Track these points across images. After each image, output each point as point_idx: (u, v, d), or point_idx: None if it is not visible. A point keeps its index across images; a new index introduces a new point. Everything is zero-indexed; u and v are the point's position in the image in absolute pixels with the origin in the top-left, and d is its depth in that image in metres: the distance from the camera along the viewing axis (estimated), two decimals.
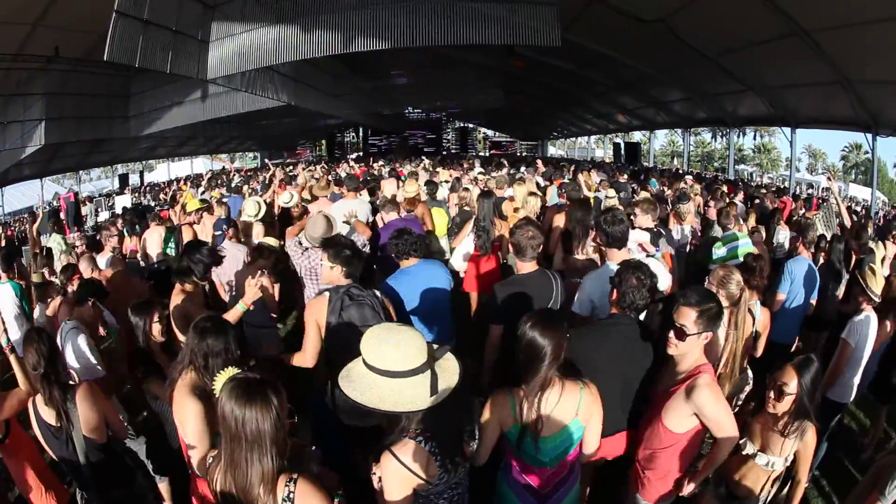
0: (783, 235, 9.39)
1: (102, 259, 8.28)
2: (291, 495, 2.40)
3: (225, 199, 12.11)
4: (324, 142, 45.91)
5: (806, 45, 14.46)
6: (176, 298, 5.41)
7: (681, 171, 25.60)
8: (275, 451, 2.42)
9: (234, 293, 6.65)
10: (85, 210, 23.75)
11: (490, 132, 50.26)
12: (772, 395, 3.53)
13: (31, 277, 7.10)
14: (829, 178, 13.62)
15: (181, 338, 5.53)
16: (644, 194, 10.31)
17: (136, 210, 15.60)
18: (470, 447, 2.93)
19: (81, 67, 17.14)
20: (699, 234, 9.11)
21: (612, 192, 9.26)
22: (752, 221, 10.18)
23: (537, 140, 48.45)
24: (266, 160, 33.30)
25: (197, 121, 19.20)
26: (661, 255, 5.98)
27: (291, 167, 27.35)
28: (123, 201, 22.79)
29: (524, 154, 44.80)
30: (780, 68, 17.15)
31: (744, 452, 3.65)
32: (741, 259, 6.61)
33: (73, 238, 11.97)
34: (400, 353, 2.61)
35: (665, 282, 4.91)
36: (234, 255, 6.91)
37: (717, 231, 8.15)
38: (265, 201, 9.30)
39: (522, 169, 18.67)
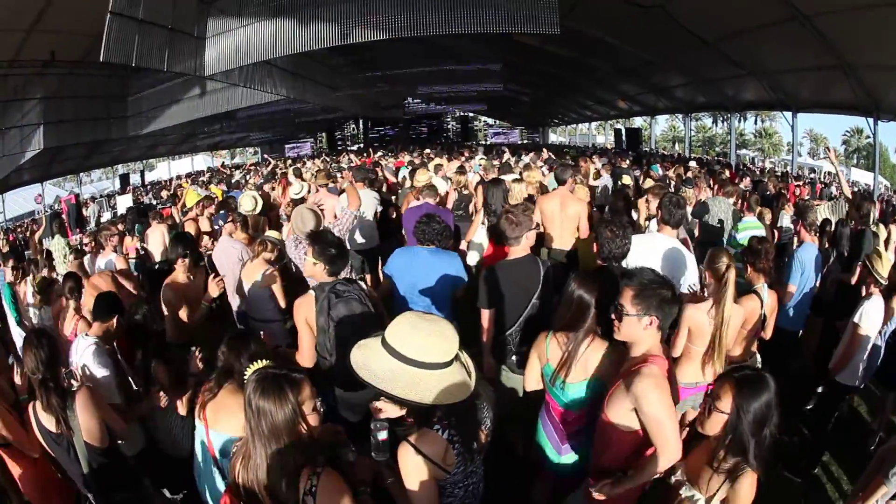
0: (788, 219, 9.35)
1: (103, 260, 8.29)
2: (314, 489, 2.35)
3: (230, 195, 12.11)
4: (324, 134, 45.85)
5: (806, 30, 14.39)
6: (168, 285, 5.60)
7: (682, 156, 25.52)
8: (294, 445, 2.41)
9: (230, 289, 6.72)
10: (88, 211, 23.81)
11: (491, 121, 50.07)
12: (705, 407, 2.91)
13: (34, 283, 7.07)
14: (827, 152, 13.56)
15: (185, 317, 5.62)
16: (648, 180, 10.27)
17: (136, 209, 15.57)
18: (487, 436, 2.91)
19: (78, 70, 17.12)
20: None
21: (627, 179, 9.24)
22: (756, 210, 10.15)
23: (538, 128, 48.44)
24: (265, 155, 33.26)
25: (196, 117, 19.29)
26: None
27: (293, 161, 27.39)
28: (125, 201, 22.76)
29: (525, 142, 44.79)
30: (780, 53, 17.08)
31: (671, 478, 3.11)
32: None
33: (77, 239, 11.93)
34: (437, 341, 2.57)
35: (693, 276, 5.08)
36: (228, 251, 6.96)
37: (721, 210, 8.11)
38: (261, 196, 9.30)
39: (524, 157, 18.63)
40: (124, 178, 33.82)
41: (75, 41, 15.22)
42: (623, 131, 36.45)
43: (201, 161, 42.22)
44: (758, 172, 20.81)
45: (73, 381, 3.96)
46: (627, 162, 17.19)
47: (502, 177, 9.16)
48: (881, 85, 16.24)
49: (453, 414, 2.60)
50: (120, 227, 11.28)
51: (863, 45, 14.34)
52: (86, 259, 8.46)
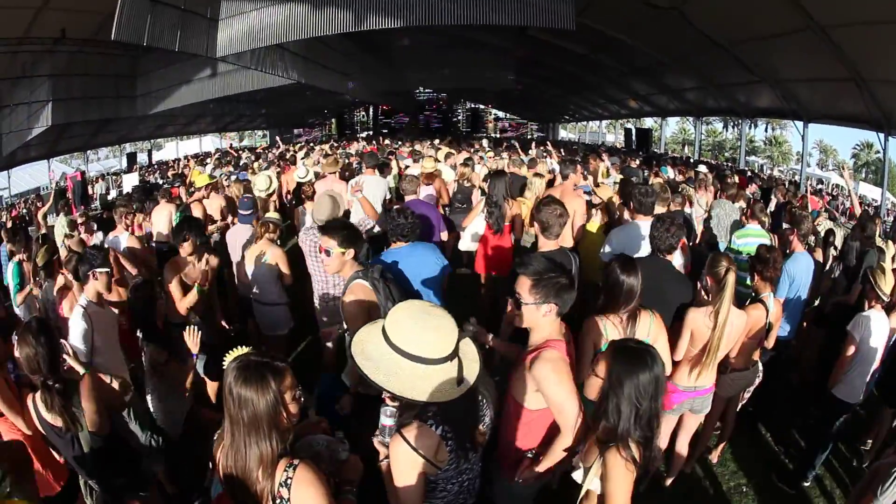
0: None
1: (117, 237, 8.26)
2: (289, 481, 2.33)
3: (240, 178, 12.12)
4: (334, 120, 45.81)
5: (821, 41, 14.33)
6: (169, 265, 5.70)
7: (693, 160, 25.46)
8: (273, 435, 2.37)
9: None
10: (95, 189, 23.82)
11: (501, 114, 49.83)
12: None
13: (36, 259, 7.08)
14: (841, 173, 13.53)
15: (178, 299, 5.62)
16: (657, 180, 10.24)
17: (143, 188, 15.55)
18: (484, 434, 2.86)
19: (88, 48, 17.16)
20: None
21: (634, 180, 9.20)
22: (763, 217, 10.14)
23: (548, 123, 48.30)
24: (276, 138, 33.19)
25: (206, 99, 19.27)
26: None
27: (304, 145, 27.41)
28: (131, 180, 22.74)
29: (535, 136, 44.63)
30: (794, 62, 17.02)
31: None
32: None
33: (76, 217, 11.93)
34: (437, 337, 2.51)
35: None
36: (242, 235, 6.98)
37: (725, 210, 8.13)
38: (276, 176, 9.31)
39: (531, 150, 18.59)
40: (131, 157, 33.73)
41: (86, 19, 15.28)
42: (633, 131, 36.28)
43: (209, 142, 42.13)
44: (766, 180, 20.71)
45: (71, 362, 3.94)
46: (637, 162, 17.10)
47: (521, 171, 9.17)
48: (893, 100, 16.12)
49: (449, 410, 2.55)
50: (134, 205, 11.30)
51: (877, 60, 14.27)
52: (95, 237, 8.47)
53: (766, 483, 5.54)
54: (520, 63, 29.70)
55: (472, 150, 18.68)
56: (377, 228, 7.93)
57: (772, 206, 11.50)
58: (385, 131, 42.60)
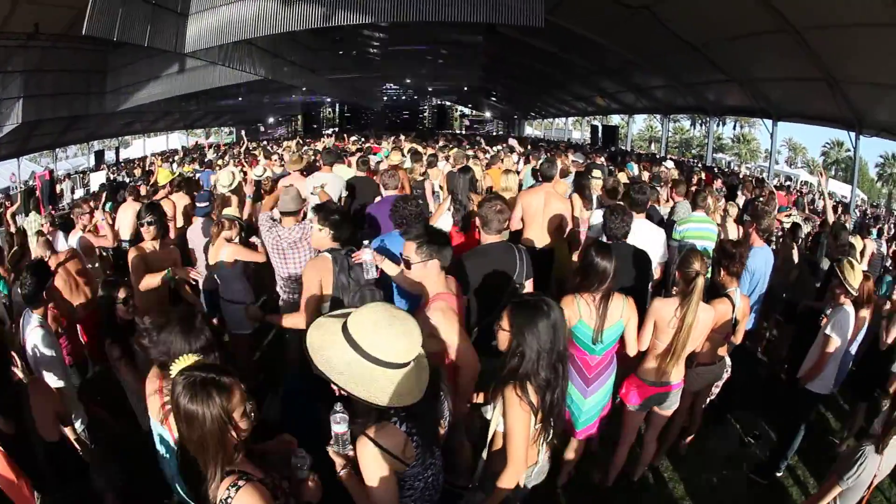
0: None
1: (74, 237, 8.12)
2: (229, 500, 2.28)
3: (198, 174, 12.03)
4: (300, 117, 45.39)
5: (795, 42, 14.52)
6: (134, 252, 5.62)
7: (659, 157, 25.60)
8: (220, 453, 2.34)
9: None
10: (61, 188, 23.47)
11: (467, 110, 49.90)
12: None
13: (5, 261, 6.92)
14: (818, 174, 13.80)
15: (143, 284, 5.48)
16: (621, 176, 10.28)
17: (110, 186, 15.35)
18: (444, 427, 2.93)
19: (61, 44, 16.79)
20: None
21: (597, 173, 9.18)
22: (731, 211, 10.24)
23: (515, 120, 48.43)
24: (242, 133, 32.85)
25: (174, 95, 19.05)
26: None
27: (268, 142, 27.21)
28: (98, 178, 22.42)
29: (500, 133, 44.80)
30: (767, 62, 17.21)
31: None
32: (705, 244, 6.94)
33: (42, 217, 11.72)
34: (403, 343, 2.51)
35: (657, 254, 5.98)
36: (200, 229, 7.00)
37: (685, 210, 8.09)
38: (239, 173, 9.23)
39: (497, 147, 18.62)
40: (99, 155, 33.06)
41: (60, 13, 14.91)
42: (599, 128, 36.60)
43: (176, 139, 41.60)
44: (731, 177, 20.96)
45: (18, 373, 3.79)
46: (602, 159, 17.15)
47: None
48: (865, 101, 16.45)
49: (412, 407, 2.54)
50: (92, 204, 11.09)
51: (850, 62, 14.49)
52: (59, 236, 8.31)
53: (737, 475, 5.57)
54: (488, 60, 29.71)
55: (437, 146, 18.61)
56: None
57: (739, 203, 11.60)
58: (350, 127, 42.25)
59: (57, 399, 3.83)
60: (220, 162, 16.65)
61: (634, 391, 4.55)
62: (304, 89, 29.16)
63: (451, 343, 3.53)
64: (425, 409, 2.66)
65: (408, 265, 3.71)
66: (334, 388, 2.50)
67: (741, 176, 22.40)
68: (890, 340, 5.84)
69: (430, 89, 42.55)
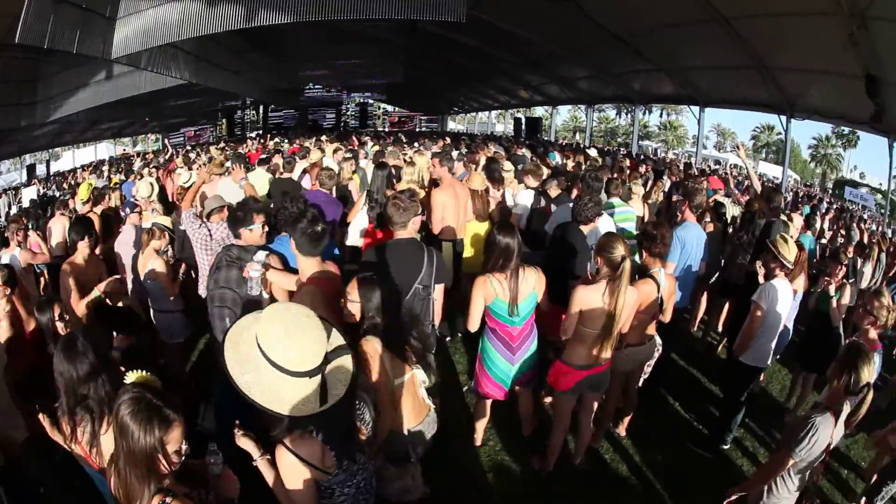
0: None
1: (6, 255, 7.83)
2: None
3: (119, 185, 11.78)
4: (224, 120, 44.30)
5: (725, 31, 14.79)
6: (67, 266, 5.48)
7: (583, 146, 25.82)
8: (150, 475, 2.31)
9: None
10: None
11: (390, 107, 49.06)
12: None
13: None
14: (736, 149, 14.16)
15: (76, 301, 5.33)
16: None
17: (39, 202, 14.89)
18: (367, 433, 2.89)
19: None
20: None
21: (508, 165, 9.24)
22: (658, 195, 10.56)
23: (438, 115, 48.24)
24: (165, 141, 32.07)
25: (102, 103, 18.30)
26: None
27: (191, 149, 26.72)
28: (30, 193, 21.69)
29: (423, 129, 44.52)
30: (696, 51, 17.54)
31: None
32: (623, 225, 7.12)
33: None
34: (300, 352, 2.38)
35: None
36: (127, 238, 6.79)
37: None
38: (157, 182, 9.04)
39: (416, 144, 18.61)
40: (31, 169, 31.80)
41: None
42: (523, 120, 36.49)
43: (104, 150, 40.54)
44: (658, 162, 21.42)
45: None
46: (523, 150, 17.21)
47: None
48: (796, 86, 16.92)
49: (325, 417, 2.47)
50: (24, 220, 10.74)
51: (781, 49, 14.88)
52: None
53: (681, 451, 5.63)
54: (410, 56, 29.50)
55: (357, 144, 18.44)
56: None
57: (666, 187, 11.84)
58: (274, 130, 41.38)
59: None
60: (144, 171, 16.23)
61: (564, 377, 4.51)
62: (228, 92, 28.58)
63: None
64: (338, 420, 2.59)
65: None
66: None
67: (667, 161, 22.80)
68: (842, 315, 6.04)
69: (352, 87, 41.91)
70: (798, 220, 9.89)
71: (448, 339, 7.42)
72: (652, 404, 6.17)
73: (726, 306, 8.03)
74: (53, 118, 19.82)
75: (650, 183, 11.07)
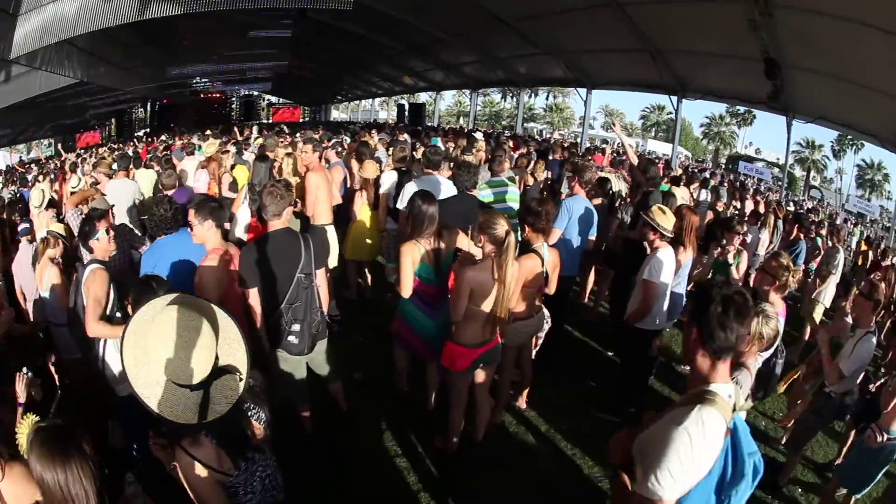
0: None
1: None
2: None
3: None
4: (113, 121, 42.13)
5: (616, 16, 15.13)
6: None
7: (467, 130, 25.90)
8: None
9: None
10: None
11: (275, 99, 48.12)
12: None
13: None
14: (612, 126, 14.69)
15: None
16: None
17: None
18: (262, 430, 2.81)
19: None
20: None
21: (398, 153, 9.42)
22: (540, 173, 10.74)
23: (321, 105, 47.73)
24: (58, 146, 30.52)
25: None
26: None
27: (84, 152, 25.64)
28: None
29: (307, 119, 44.08)
30: (586, 35, 17.79)
31: None
32: (508, 204, 7.13)
33: None
34: (183, 366, 2.26)
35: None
36: (23, 253, 6.34)
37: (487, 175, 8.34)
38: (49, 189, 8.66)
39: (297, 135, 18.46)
40: None
41: None
42: (406, 106, 36.50)
43: (0, 158, 38.51)
44: (542, 143, 21.82)
45: None
46: (406, 136, 17.25)
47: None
48: (688, 68, 17.65)
49: (210, 426, 2.41)
50: None
51: (671, 33, 15.37)
52: None
53: (586, 417, 5.71)
54: (296, 46, 28.72)
55: (241, 137, 18.04)
56: None
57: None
58: (159, 127, 39.60)
59: None
60: (39, 178, 15.55)
61: (460, 358, 4.44)
62: (121, 93, 27.40)
63: (222, 286, 4.18)
64: (225, 423, 2.47)
65: (191, 227, 4.33)
66: None
67: (551, 141, 23.21)
68: (739, 276, 6.36)
69: (239, 80, 40.35)
70: (683, 192, 10.21)
71: (338, 318, 7.21)
72: (553, 376, 6.22)
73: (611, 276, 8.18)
74: None
75: (533, 163, 11.22)
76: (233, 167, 9.85)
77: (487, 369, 4.73)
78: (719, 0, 12.44)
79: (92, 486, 2.23)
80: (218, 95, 42.07)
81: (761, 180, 36.75)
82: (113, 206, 7.31)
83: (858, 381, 5.01)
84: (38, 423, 2.36)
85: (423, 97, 40.81)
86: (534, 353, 5.56)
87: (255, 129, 23.18)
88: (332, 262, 6.15)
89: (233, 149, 11.27)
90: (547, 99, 72.79)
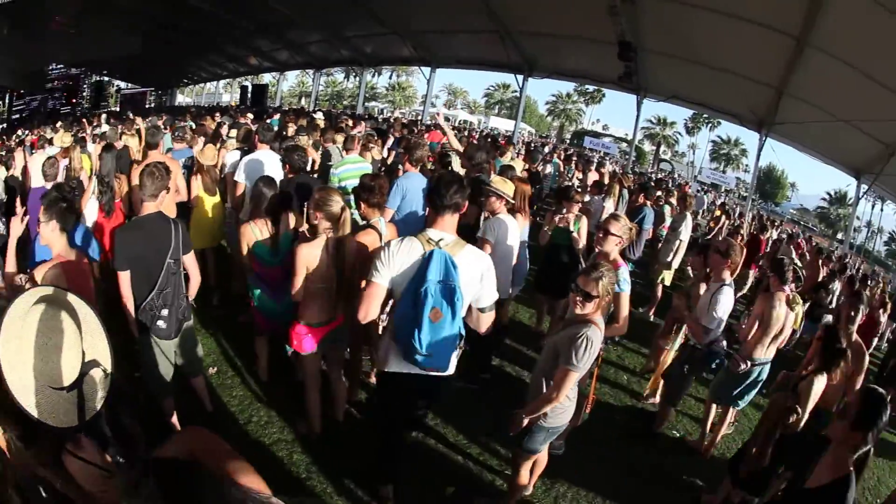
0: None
1: None
2: None
3: None
4: None
5: None
6: None
7: (308, 110, 25.73)
8: None
9: None
10: None
11: (124, 84, 45.54)
12: None
13: None
14: (436, 117, 15.05)
15: None
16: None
17: None
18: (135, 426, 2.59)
19: None
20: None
21: (233, 133, 9.33)
22: (377, 152, 10.66)
23: (168, 88, 46.05)
24: None
25: None
26: None
27: None
28: None
29: (153, 105, 42.16)
30: (437, 16, 18.06)
31: None
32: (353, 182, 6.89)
33: None
34: (54, 369, 2.08)
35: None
36: None
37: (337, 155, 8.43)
38: None
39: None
40: None
41: None
42: (249, 88, 35.58)
43: None
44: (382, 122, 22.03)
45: None
46: (250, 118, 16.92)
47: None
48: (536, 48, 18.45)
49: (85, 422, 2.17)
50: None
51: (521, 15, 15.99)
52: None
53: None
54: (148, 25, 26.85)
55: (91, 126, 17.08)
56: None
57: (389, 143, 12.13)
58: (17, 118, 36.35)
59: None
60: None
61: (307, 338, 4.30)
62: None
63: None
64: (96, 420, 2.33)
65: (41, 230, 3.92)
66: None
67: (392, 120, 23.33)
68: (581, 240, 6.56)
69: (92, 64, 37.21)
70: (520, 165, 10.78)
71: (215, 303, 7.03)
72: None
73: None
74: None
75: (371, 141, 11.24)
76: None
77: (336, 346, 4.63)
78: None
79: None
80: (70, 83, 39.02)
81: (608, 154, 38.36)
82: None
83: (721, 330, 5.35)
84: None
85: (266, 78, 39.79)
86: (381, 328, 5.52)
87: (103, 117, 21.89)
88: None
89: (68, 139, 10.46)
90: (390, 78, 72.98)
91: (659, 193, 12.89)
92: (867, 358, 4.25)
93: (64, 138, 9.50)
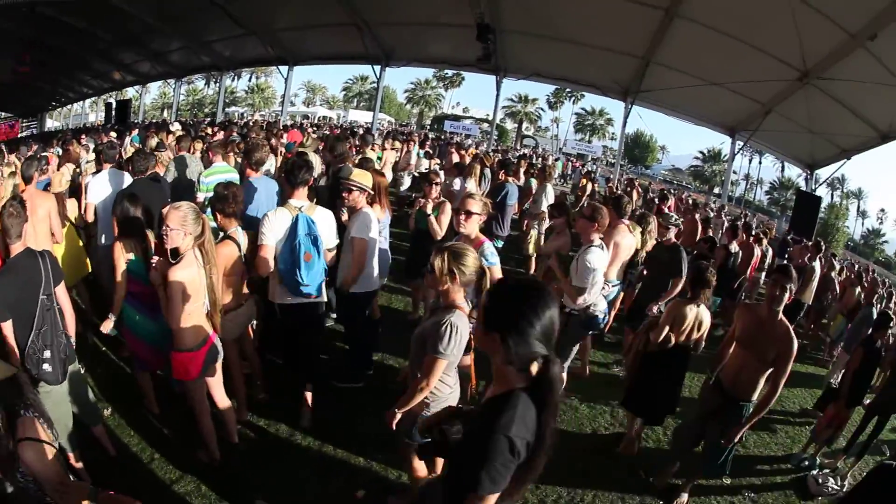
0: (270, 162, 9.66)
1: None
2: None
3: None
4: None
5: None
6: None
7: (168, 122, 24.57)
8: None
9: None
10: None
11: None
12: None
13: None
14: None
15: None
16: (130, 148, 10.42)
17: None
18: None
19: None
20: None
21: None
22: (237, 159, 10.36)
23: (38, 114, 42.47)
24: None
25: None
26: None
27: None
28: None
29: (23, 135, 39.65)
30: (292, 12, 17.79)
31: None
32: None
33: None
34: None
35: None
36: None
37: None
38: None
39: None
40: None
41: None
42: (114, 104, 33.23)
43: None
44: (242, 126, 22.07)
45: None
46: (113, 136, 16.23)
47: None
48: (393, 38, 18.77)
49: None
50: None
51: (382, 6, 16.24)
52: None
53: (328, 392, 5.61)
54: (21, 46, 24.43)
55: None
56: None
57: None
58: None
59: None
60: None
61: (191, 363, 4.08)
62: None
63: None
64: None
65: None
66: None
67: (250, 123, 23.53)
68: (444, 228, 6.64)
69: None
70: (390, 155, 11.24)
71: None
72: (274, 357, 6.02)
73: None
74: None
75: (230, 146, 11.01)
76: None
77: (217, 366, 4.41)
78: None
79: None
80: None
81: (469, 136, 38.86)
82: None
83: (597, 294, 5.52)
84: None
85: (130, 92, 38.11)
86: (257, 342, 5.37)
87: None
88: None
89: None
90: (250, 80, 71.38)
91: (524, 169, 13.14)
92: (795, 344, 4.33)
93: None
